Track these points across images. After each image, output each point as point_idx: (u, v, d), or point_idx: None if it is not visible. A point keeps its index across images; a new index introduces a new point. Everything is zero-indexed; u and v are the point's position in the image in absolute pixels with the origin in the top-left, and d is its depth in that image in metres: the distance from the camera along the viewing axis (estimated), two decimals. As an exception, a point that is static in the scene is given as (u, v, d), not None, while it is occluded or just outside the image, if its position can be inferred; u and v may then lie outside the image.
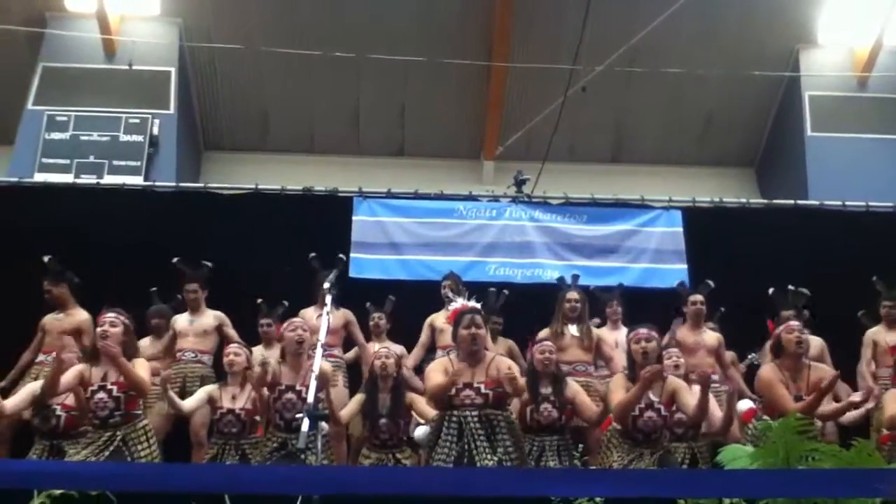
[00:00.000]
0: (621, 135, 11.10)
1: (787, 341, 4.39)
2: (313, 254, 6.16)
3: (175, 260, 6.22)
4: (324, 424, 3.72)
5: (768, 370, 4.42)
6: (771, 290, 5.98)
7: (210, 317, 6.14)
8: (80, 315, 5.88)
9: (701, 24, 9.79)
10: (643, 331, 4.37)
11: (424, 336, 6.07)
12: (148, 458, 4.22)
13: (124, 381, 4.26)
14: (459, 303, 4.61)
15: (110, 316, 4.43)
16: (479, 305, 4.50)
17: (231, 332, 6.09)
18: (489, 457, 3.92)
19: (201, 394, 4.99)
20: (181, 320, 6.11)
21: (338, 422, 4.77)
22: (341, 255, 5.25)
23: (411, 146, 11.08)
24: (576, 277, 6.37)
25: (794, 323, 4.54)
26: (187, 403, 4.95)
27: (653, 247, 7.53)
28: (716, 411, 4.56)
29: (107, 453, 4.14)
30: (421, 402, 4.83)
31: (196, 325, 6.08)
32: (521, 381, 4.24)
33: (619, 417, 4.25)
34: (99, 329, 4.40)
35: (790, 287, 6.00)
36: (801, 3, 10.15)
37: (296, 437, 4.02)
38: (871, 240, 7.38)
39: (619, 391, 4.32)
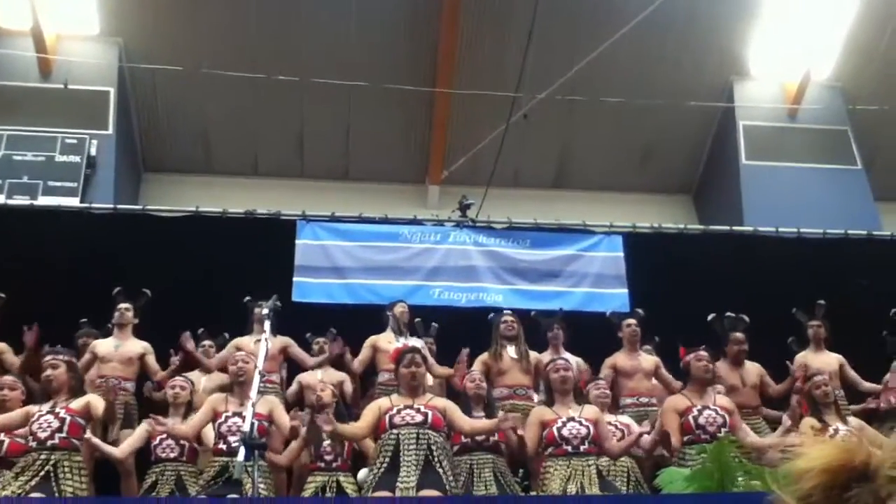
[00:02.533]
0: (564, 161, 11.28)
1: (695, 368, 4.69)
2: (248, 297, 6.08)
3: (115, 291, 6.06)
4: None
5: (672, 399, 4.74)
6: (710, 317, 6.13)
7: (137, 345, 5.93)
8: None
9: (639, 56, 10.04)
10: (561, 361, 4.76)
11: (364, 354, 6.03)
12: (75, 493, 4.08)
13: (92, 409, 4.27)
14: (400, 342, 4.87)
15: (49, 358, 4.40)
16: (418, 344, 4.84)
17: (153, 362, 5.88)
18: (413, 472, 3.97)
19: (140, 430, 4.86)
20: (105, 345, 5.85)
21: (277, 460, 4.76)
22: (277, 302, 5.11)
23: (356, 170, 11.05)
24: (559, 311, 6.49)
25: (703, 353, 4.81)
26: (126, 447, 4.78)
27: (594, 271, 7.67)
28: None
29: (34, 483, 3.99)
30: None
31: (121, 350, 5.85)
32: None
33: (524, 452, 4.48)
34: (43, 374, 4.38)
35: (729, 314, 6.17)
36: (734, 36, 10.50)
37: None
38: (803, 265, 7.64)
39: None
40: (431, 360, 5.72)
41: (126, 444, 4.83)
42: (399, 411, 4.21)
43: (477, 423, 4.53)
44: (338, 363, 6.08)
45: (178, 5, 9.65)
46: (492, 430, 4.45)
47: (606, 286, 7.55)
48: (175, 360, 5.66)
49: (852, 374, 6.34)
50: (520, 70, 7.81)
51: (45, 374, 4.36)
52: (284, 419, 4.67)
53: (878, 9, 10.14)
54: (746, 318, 6.21)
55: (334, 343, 5.87)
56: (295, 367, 6.21)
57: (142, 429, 4.89)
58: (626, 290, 7.51)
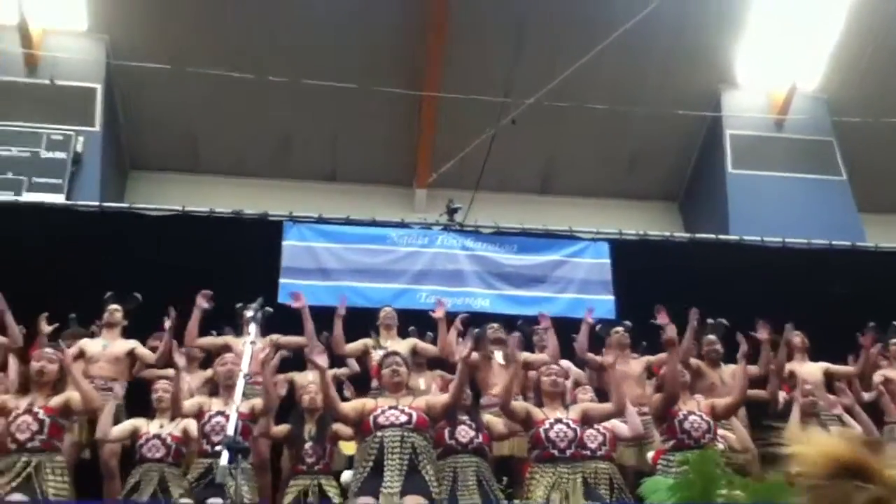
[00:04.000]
0: (551, 166, 11.31)
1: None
2: (240, 304, 6.01)
3: (107, 295, 6.03)
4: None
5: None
6: (696, 322, 6.18)
7: (124, 344, 5.92)
8: None
9: (627, 63, 10.08)
10: (555, 367, 4.83)
11: (356, 346, 6.04)
12: (57, 495, 4.06)
13: (72, 405, 4.26)
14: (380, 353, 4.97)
15: (49, 351, 4.41)
16: (399, 350, 4.90)
17: (143, 350, 5.88)
18: (397, 477, 3.96)
19: (127, 424, 4.84)
20: (93, 345, 5.83)
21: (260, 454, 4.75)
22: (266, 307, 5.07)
23: (343, 171, 11.04)
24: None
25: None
26: (114, 432, 4.77)
27: (580, 277, 7.69)
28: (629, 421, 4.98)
29: (14, 484, 3.96)
30: (346, 430, 4.84)
31: (109, 350, 5.82)
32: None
33: (505, 399, 4.52)
34: (36, 364, 4.35)
35: (709, 320, 6.23)
36: (722, 45, 10.58)
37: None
38: (787, 274, 7.70)
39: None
40: (424, 344, 5.88)
41: (118, 430, 4.79)
42: (383, 412, 4.23)
43: (450, 387, 4.54)
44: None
45: (166, 2, 9.60)
46: (461, 378, 4.42)
47: (593, 292, 7.57)
48: (167, 323, 5.63)
49: (840, 369, 6.40)
50: (507, 74, 7.84)
51: (38, 365, 4.32)
52: (269, 401, 4.71)
53: (863, 22, 10.24)
54: (725, 322, 6.31)
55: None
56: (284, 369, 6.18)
57: (130, 422, 4.85)
58: (612, 297, 7.54)
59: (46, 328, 5.68)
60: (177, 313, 5.72)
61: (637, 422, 5.02)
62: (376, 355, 5.55)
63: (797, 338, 6.49)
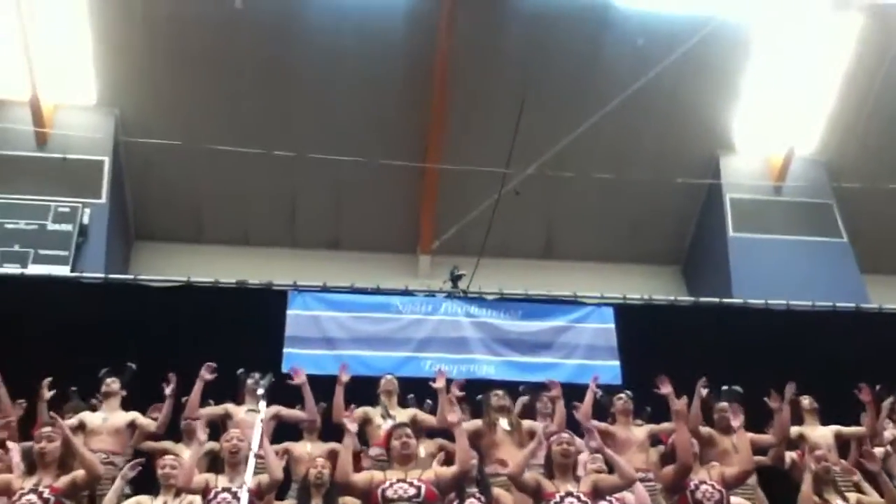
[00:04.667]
0: (553, 232, 11.39)
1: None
2: (241, 370, 6.09)
3: (103, 372, 6.03)
4: None
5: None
6: (705, 391, 6.14)
7: (124, 415, 5.88)
8: None
9: (626, 131, 10.27)
10: (565, 435, 4.66)
11: (356, 415, 5.96)
12: None
13: (78, 482, 4.24)
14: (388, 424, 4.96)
15: (48, 430, 4.39)
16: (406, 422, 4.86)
17: (143, 419, 5.87)
18: None
19: (132, 502, 4.76)
20: (93, 418, 5.80)
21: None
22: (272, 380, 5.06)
23: (347, 239, 11.11)
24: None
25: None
26: None
27: (585, 343, 7.68)
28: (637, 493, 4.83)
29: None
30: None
31: (109, 423, 5.79)
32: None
33: (517, 472, 4.42)
34: (37, 446, 4.33)
35: (724, 386, 6.19)
36: (718, 112, 10.77)
37: None
38: (792, 337, 7.68)
39: None
40: (424, 415, 5.87)
41: None
42: (391, 485, 4.14)
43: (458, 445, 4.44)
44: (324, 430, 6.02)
45: (173, 78, 9.83)
46: (462, 443, 4.39)
47: (598, 358, 7.54)
48: (168, 390, 5.68)
49: (850, 430, 6.32)
50: (508, 143, 7.97)
51: (39, 445, 4.31)
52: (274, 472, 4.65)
53: (858, 87, 10.46)
54: (739, 389, 6.25)
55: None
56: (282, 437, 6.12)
57: (134, 500, 4.78)
58: (617, 362, 7.51)
59: (47, 394, 5.68)
60: (177, 379, 5.72)
61: (644, 495, 4.93)
62: (385, 424, 5.49)
63: (806, 400, 6.43)
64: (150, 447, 5.81)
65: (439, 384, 5.73)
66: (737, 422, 4.97)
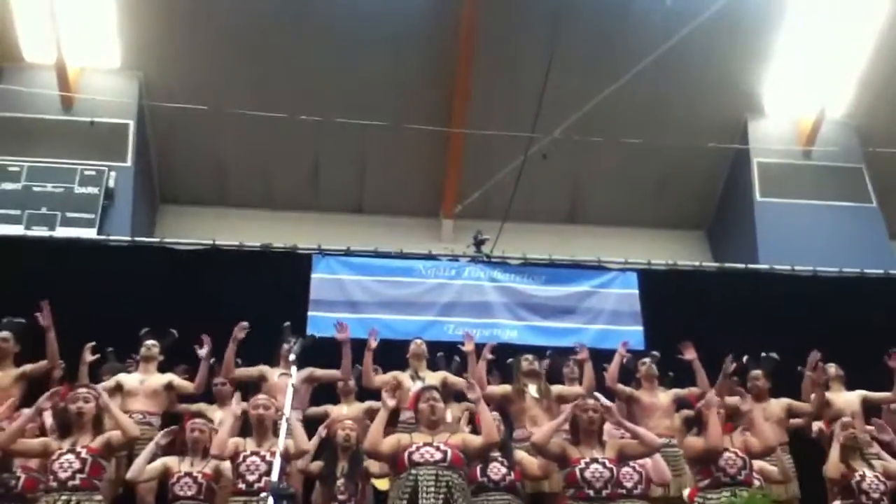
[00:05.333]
0: (578, 196, 11.31)
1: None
2: (287, 322, 6.19)
3: (143, 331, 6.16)
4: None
5: (690, 440, 4.79)
6: (745, 358, 6.12)
7: (161, 377, 6.03)
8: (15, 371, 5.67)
9: (654, 93, 10.10)
10: (591, 401, 4.63)
11: (386, 378, 6.01)
12: None
13: (113, 442, 4.34)
14: (417, 386, 4.93)
15: (84, 391, 4.49)
16: (437, 378, 4.85)
17: (181, 381, 6.00)
18: None
19: (158, 464, 4.85)
20: (130, 379, 5.94)
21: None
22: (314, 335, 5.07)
23: (371, 203, 11.12)
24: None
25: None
26: (145, 472, 4.78)
27: (609, 308, 7.65)
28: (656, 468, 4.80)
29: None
30: (377, 467, 4.88)
31: (146, 384, 5.94)
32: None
33: (542, 442, 4.45)
34: (72, 406, 4.42)
35: (762, 354, 6.17)
36: (748, 74, 10.56)
37: (256, 500, 4.13)
38: (818, 303, 7.60)
39: None
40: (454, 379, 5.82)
41: (150, 470, 4.81)
42: (418, 448, 4.17)
43: (482, 418, 4.38)
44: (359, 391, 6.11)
45: (197, 40, 9.79)
46: (487, 416, 4.35)
47: (621, 323, 7.52)
48: (203, 351, 5.78)
49: (877, 396, 6.29)
50: (534, 106, 7.88)
51: (76, 405, 4.39)
52: (300, 444, 4.71)
53: (891, 49, 10.19)
54: (776, 356, 6.24)
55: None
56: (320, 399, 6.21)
57: (161, 462, 4.87)
58: (641, 328, 7.49)
59: (89, 357, 5.82)
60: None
61: (664, 471, 4.92)
62: (413, 386, 5.52)
63: (832, 368, 6.39)
64: (185, 409, 5.92)
65: (468, 347, 5.75)
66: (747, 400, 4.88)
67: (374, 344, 5.94)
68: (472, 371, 5.82)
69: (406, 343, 6.39)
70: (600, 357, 6.87)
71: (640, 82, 9.20)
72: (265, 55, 9.93)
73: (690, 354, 6.03)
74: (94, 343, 5.87)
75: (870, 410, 6.22)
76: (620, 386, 6.05)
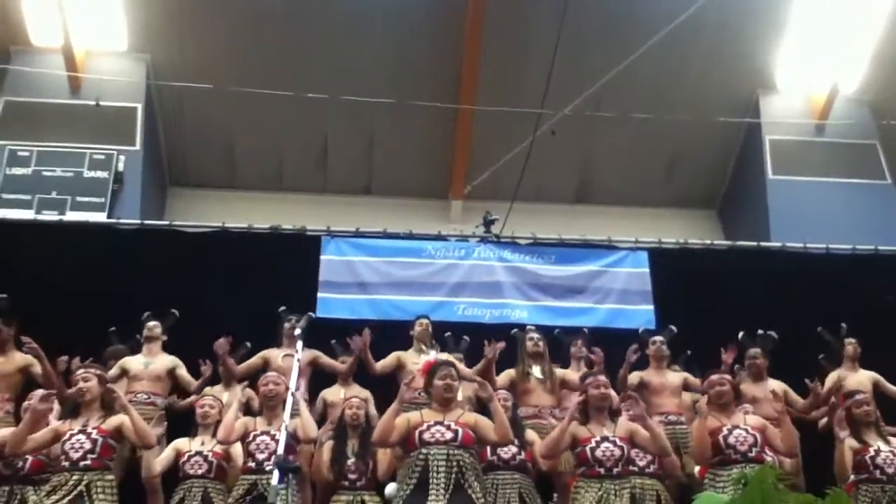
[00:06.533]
0: (587, 175, 11.24)
1: (713, 394, 4.67)
2: (283, 307, 6.17)
3: (145, 315, 6.16)
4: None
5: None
6: (741, 334, 6.06)
7: (166, 360, 6.05)
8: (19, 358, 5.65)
9: (664, 70, 9.99)
10: (602, 377, 4.62)
11: (388, 361, 6.02)
12: None
13: (125, 431, 4.32)
14: (432, 355, 4.86)
15: (81, 372, 4.47)
16: (452, 359, 4.74)
17: (185, 374, 6.00)
18: (442, 495, 3.88)
19: (169, 451, 4.87)
20: (135, 363, 5.96)
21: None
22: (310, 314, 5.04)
23: (379, 184, 11.09)
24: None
25: (716, 377, 4.77)
26: (158, 466, 4.79)
27: (619, 287, 7.60)
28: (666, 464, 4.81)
29: (66, 501, 4.02)
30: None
31: (151, 368, 5.96)
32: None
33: (549, 454, 4.49)
34: (74, 388, 4.42)
35: (759, 331, 6.10)
36: (760, 50, 10.43)
37: (266, 478, 4.08)
38: (832, 281, 7.53)
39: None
40: (464, 369, 5.73)
41: (162, 461, 4.82)
42: (429, 427, 4.11)
43: (497, 420, 4.27)
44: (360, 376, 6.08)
45: (204, 22, 9.75)
46: (482, 395, 4.29)
47: (632, 302, 7.48)
48: (205, 368, 5.78)
49: (890, 387, 6.23)
50: (543, 84, 7.79)
51: (77, 386, 4.40)
52: (308, 431, 4.71)
53: (906, 22, 10.03)
54: (774, 335, 6.15)
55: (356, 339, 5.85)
56: (318, 383, 6.21)
57: (171, 447, 4.90)
58: (651, 307, 7.44)
59: (63, 367, 5.63)
60: (210, 323, 5.78)
61: (675, 466, 4.91)
62: (420, 360, 5.42)
63: (850, 346, 6.33)
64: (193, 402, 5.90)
65: (489, 354, 5.58)
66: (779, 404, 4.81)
67: (367, 340, 5.88)
68: (486, 372, 5.63)
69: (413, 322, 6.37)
70: (611, 336, 6.86)
71: (651, 59, 9.08)
72: (272, 36, 9.88)
73: (729, 358, 5.92)
74: (65, 357, 5.70)
75: (880, 399, 6.14)
76: (630, 381, 5.93)
